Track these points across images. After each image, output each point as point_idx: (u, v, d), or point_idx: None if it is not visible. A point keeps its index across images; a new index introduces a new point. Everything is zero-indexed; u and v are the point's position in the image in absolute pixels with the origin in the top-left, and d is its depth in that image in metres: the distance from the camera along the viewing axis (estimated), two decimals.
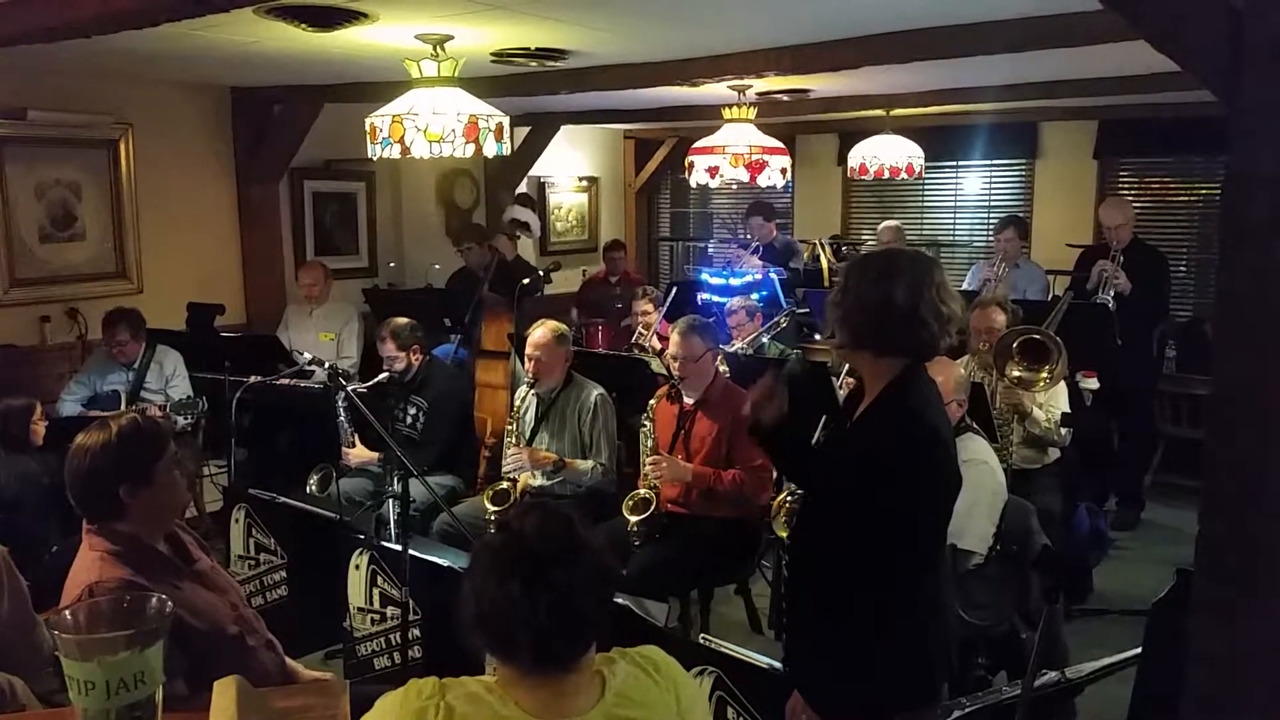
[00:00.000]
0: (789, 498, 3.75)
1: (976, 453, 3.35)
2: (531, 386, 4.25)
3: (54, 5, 2.97)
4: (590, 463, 4.17)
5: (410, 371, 4.64)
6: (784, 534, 3.69)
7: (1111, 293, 5.35)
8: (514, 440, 4.25)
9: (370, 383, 4.55)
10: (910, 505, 2.07)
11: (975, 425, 3.57)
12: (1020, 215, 7.09)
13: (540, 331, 4.23)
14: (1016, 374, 4.17)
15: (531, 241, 8.09)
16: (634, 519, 3.83)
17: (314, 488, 4.46)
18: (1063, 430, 4.26)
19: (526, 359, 4.25)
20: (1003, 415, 4.19)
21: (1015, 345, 4.20)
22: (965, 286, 6.13)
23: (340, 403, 4.47)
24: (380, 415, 4.21)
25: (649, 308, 5.97)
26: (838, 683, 2.13)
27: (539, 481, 4.21)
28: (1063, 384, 4.36)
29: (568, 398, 4.27)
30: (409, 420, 4.65)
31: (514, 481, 4.16)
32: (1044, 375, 4.16)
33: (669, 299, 6.00)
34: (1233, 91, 1.18)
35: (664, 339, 5.33)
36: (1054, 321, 4.60)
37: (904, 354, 2.12)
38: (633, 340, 5.94)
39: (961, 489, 2.19)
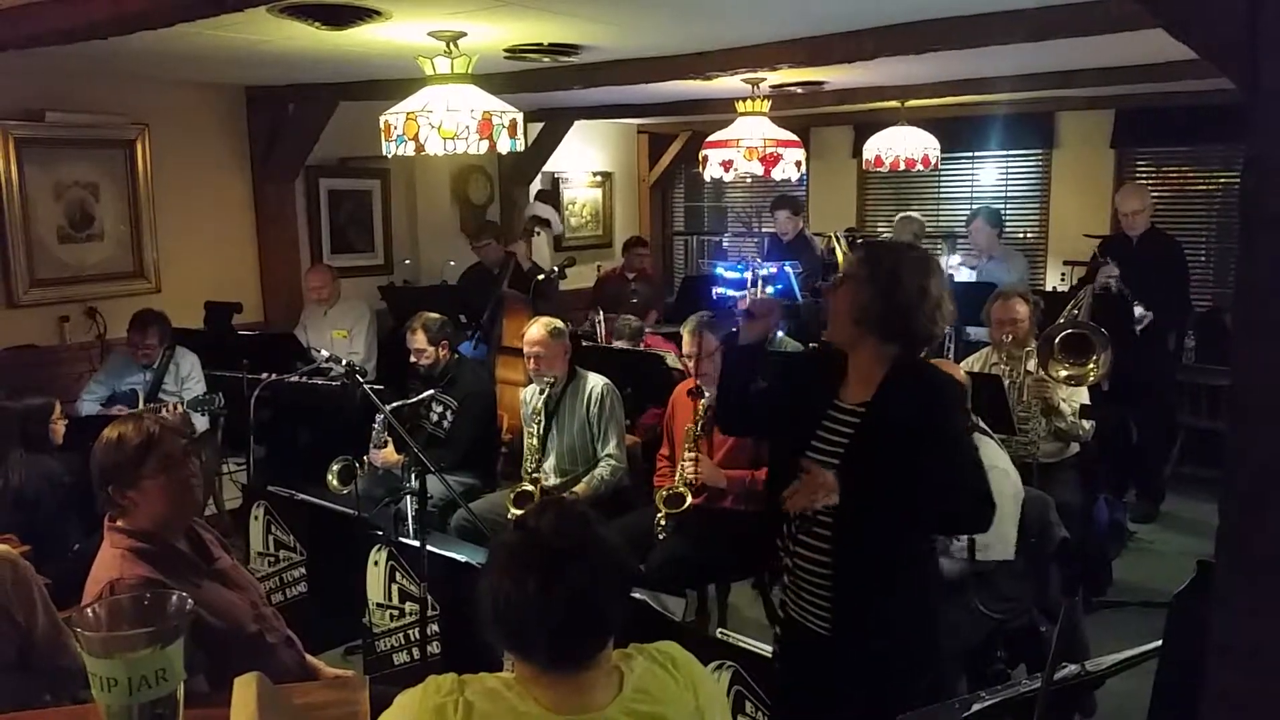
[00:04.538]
0: None
1: (990, 458, 3.32)
2: (541, 392, 4.27)
3: (69, 7, 2.98)
4: (599, 470, 4.18)
5: (438, 368, 4.64)
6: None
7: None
8: (533, 449, 4.25)
9: (416, 397, 4.47)
10: (956, 454, 2.22)
11: (984, 425, 3.53)
12: (993, 205, 6.89)
13: (535, 329, 4.28)
14: (1064, 373, 4.10)
15: (548, 237, 8.09)
16: (665, 511, 3.79)
17: (334, 480, 4.47)
18: (1085, 424, 4.22)
19: (527, 358, 4.29)
20: (1029, 409, 4.16)
21: (1057, 342, 4.13)
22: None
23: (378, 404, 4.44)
24: (406, 412, 4.21)
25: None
26: (894, 646, 2.27)
27: (553, 481, 4.23)
28: None
29: (573, 392, 4.32)
30: (435, 418, 4.64)
31: (536, 483, 4.14)
32: (1091, 367, 4.10)
33: (677, 296, 5.94)
34: (1251, 79, 1.16)
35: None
36: (1083, 312, 4.56)
37: (906, 342, 2.25)
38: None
39: None
